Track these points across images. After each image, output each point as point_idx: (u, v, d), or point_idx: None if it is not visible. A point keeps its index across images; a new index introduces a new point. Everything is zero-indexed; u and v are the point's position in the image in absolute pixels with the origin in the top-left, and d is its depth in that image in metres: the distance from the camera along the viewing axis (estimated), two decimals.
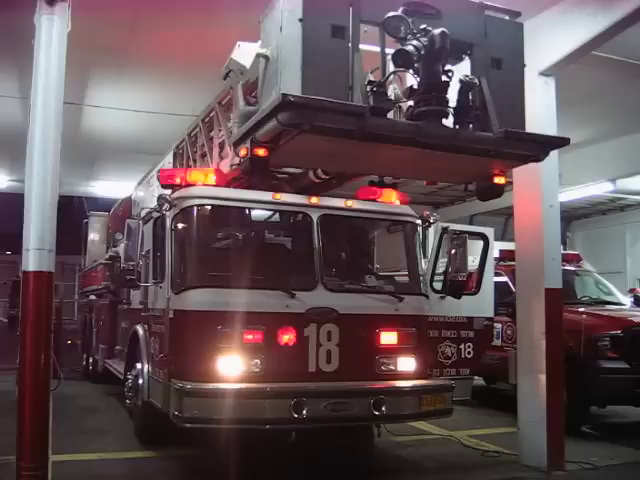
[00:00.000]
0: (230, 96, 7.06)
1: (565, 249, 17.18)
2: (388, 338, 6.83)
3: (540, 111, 7.18)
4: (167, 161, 9.79)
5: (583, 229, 20.04)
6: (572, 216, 19.38)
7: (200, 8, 7.37)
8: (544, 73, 7.21)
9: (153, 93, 10.32)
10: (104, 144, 12.88)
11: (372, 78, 5.52)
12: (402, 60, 4.94)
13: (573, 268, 11.40)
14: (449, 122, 5.28)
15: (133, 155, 13.12)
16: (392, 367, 6.81)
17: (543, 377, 7.01)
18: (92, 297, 13.75)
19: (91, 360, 13.14)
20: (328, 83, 4.96)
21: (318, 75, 4.95)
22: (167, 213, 6.83)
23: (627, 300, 11.36)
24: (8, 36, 7.83)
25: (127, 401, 8.08)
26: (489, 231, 8.24)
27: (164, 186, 7.10)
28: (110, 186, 15.94)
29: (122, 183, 14.68)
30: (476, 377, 11.20)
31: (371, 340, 6.73)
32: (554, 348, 7.03)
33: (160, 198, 6.77)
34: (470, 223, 16.68)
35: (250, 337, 6.29)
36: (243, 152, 5.44)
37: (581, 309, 9.40)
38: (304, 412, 6.04)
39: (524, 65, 5.75)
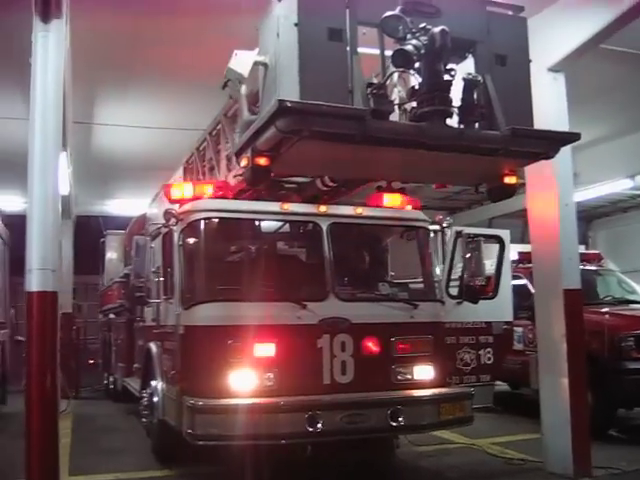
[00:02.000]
0: (236, 107, 6.98)
1: (587, 249, 16.95)
2: (404, 346, 6.69)
3: (550, 107, 7.01)
4: (178, 176, 9.74)
5: (604, 228, 19.64)
6: (592, 215, 19.01)
7: (200, 19, 7.31)
8: (553, 69, 7.05)
9: (161, 108, 10.28)
10: (116, 162, 12.87)
11: (376, 81, 5.41)
12: (401, 60, 4.82)
13: (594, 268, 11.15)
14: (454, 122, 5.14)
15: (146, 172, 13.07)
16: (409, 376, 6.66)
17: (565, 381, 6.80)
18: (111, 316, 13.74)
19: (111, 379, 13.13)
20: (327, 87, 4.82)
21: (316, 80, 4.82)
22: (174, 228, 6.77)
23: None
24: (10, 56, 7.81)
25: (143, 419, 7.99)
26: (504, 233, 8.08)
27: (172, 202, 7.04)
28: (126, 204, 15.94)
29: (137, 200, 14.64)
30: (499, 383, 11.07)
31: (386, 349, 6.59)
32: (575, 350, 6.83)
33: (166, 213, 6.69)
34: (489, 226, 16.43)
35: (262, 350, 6.18)
36: (244, 162, 5.34)
37: (604, 309, 9.17)
38: (319, 425, 5.92)
39: (529, 61, 5.58)
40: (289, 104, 4.59)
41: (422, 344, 6.78)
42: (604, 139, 12.32)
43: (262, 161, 5.20)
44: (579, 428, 6.76)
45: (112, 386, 12.94)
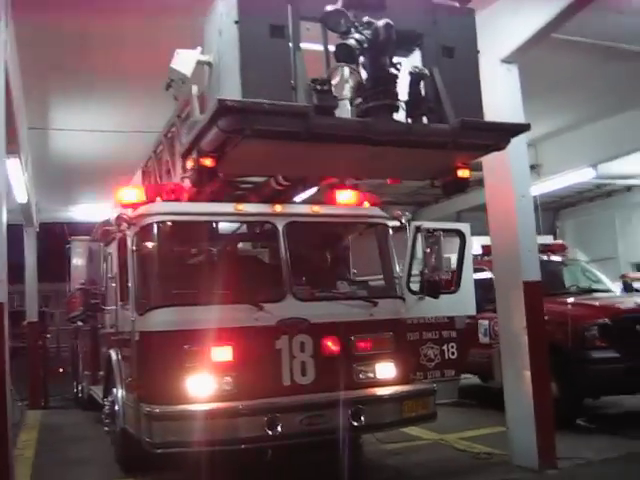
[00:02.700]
0: (189, 109, 6.86)
1: (555, 239, 17.04)
2: (364, 345, 6.62)
3: (505, 99, 7.00)
4: (136, 180, 9.59)
5: (572, 218, 19.79)
6: (560, 206, 19.16)
7: (149, 18, 7.16)
8: (506, 60, 6.99)
9: (116, 112, 10.07)
10: (76, 167, 12.61)
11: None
12: (344, 55, 4.74)
13: (559, 258, 11.17)
14: (401, 117, 5.07)
15: (107, 177, 12.81)
16: (371, 374, 6.60)
17: (528, 373, 6.75)
18: (79, 323, 13.53)
19: (80, 387, 12.91)
20: (270, 85, 4.74)
21: (259, 77, 4.72)
22: (127, 232, 6.64)
23: (617, 287, 11.15)
24: None
25: (105, 428, 7.84)
26: (465, 227, 8.03)
27: (123, 206, 6.91)
28: (90, 210, 15.69)
29: (101, 205, 14.44)
30: (470, 376, 11.07)
31: (346, 348, 6.52)
32: (537, 342, 6.79)
33: (118, 218, 6.56)
34: (457, 220, 16.50)
35: (219, 354, 6.09)
36: (190, 164, 5.24)
37: (568, 299, 9.17)
38: (279, 428, 5.83)
39: (478, 52, 5.53)
40: (229, 103, 4.50)
41: (383, 342, 6.72)
42: (565, 129, 12.37)
43: (208, 162, 5.10)
44: (543, 420, 6.71)
45: (80, 395, 12.72)
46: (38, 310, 14.76)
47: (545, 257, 10.46)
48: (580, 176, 13.56)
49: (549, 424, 6.77)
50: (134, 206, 6.82)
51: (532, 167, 13.11)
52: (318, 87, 4.72)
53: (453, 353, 7.76)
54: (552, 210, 19.00)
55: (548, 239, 14.33)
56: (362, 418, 6.11)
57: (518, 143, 6.71)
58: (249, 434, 5.86)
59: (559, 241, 13.38)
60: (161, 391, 5.97)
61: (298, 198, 7.36)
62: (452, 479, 6.72)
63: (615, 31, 8.53)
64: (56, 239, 16.98)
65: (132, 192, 6.93)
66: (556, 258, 11.01)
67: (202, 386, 5.98)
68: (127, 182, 10.14)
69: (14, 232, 14.95)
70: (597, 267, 12.67)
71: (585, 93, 10.94)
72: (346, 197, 7.33)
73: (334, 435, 6.26)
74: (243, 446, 5.94)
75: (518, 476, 6.56)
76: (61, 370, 16.47)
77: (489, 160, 7.14)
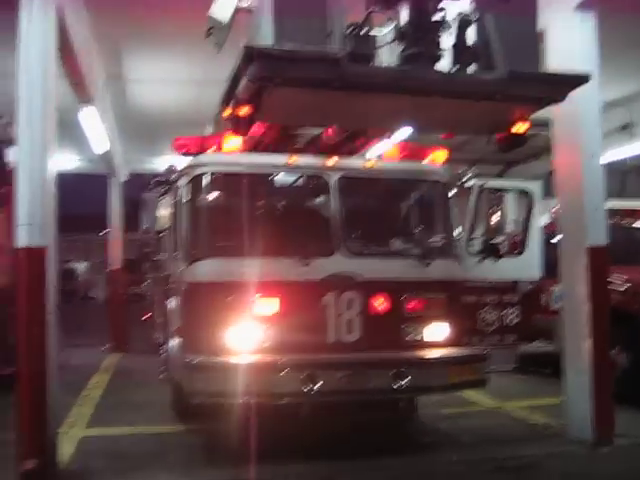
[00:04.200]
0: None
1: None
2: (414, 305, 6.41)
3: (579, 50, 6.52)
4: (209, 131, 9.60)
5: None
6: None
7: None
8: (581, 7, 6.48)
9: (191, 62, 10.02)
10: (157, 118, 12.74)
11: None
12: None
13: None
14: (446, 66, 4.77)
15: (187, 128, 13.01)
16: (419, 336, 6.39)
17: (588, 343, 6.39)
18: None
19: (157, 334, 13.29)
20: (305, 31, 4.54)
21: (293, 23, 4.53)
22: (179, 183, 6.64)
23: None
24: None
25: (160, 376, 8.00)
26: (534, 185, 7.64)
27: (181, 154, 6.91)
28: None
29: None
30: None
31: (396, 308, 6.33)
32: (599, 311, 6.39)
33: (169, 169, 6.56)
34: (548, 181, 15.75)
35: (262, 307, 6.03)
36: (227, 112, 5.13)
37: None
38: (317, 385, 5.74)
39: None
40: (256, 50, 4.33)
41: (434, 303, 6.47)
42: None
43: (243, 111, 4.96)
44: (601, 393, 6.37)
45: (157, 341, 13.10)
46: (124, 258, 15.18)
47: (629, 223, 9.87)
48: None
49: (607, 397, 6.41)
50: (192, 155, 6.80)
51: (624, 127, 12.36)
52: (352, 32, 4.48)
53: (514, 318, 7.45)
54: None
55: None
56: (404, 381, 5.93)
57: (589, 97, 6.30)
58: (287, 389, 5.80)
59: None
60: (203, 341, 5.97)
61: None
62: (499, 447, 6.46)
63: None
64: (144, 190, 17.38)
65: (190, 142, 6.91)
66: None
67: (243, 339, 5.95)
68: (201, 133, 10.23)
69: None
70: None
71: None
72: (409, 151, 7.05)
73: (374, 396, 6.15)
74: (282, 400, 5.92)
75: (568, 449, 6.25)
76: (146, 316, 17.00)
77: (558, 115, 6.74)
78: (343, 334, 6.16)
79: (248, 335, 5.98)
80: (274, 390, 5.80)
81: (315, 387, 5.72)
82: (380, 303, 6.30)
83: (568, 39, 6.54)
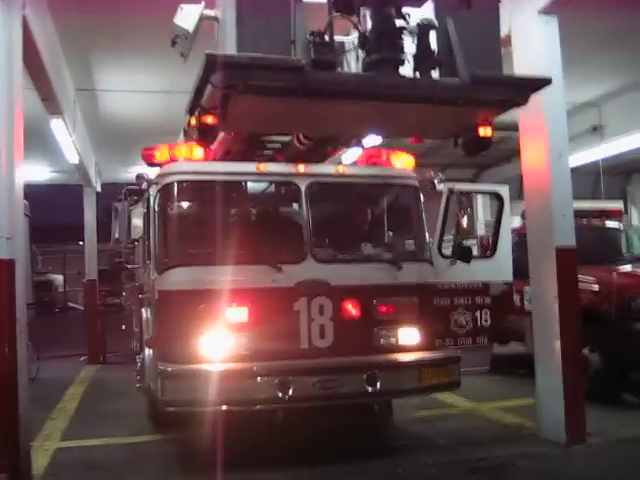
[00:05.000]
0: None
1: (626, 204, 16.28)
2: (386, 309, 6.45)
3: (542, 53, 6.62)
4: (180, 140, 9.60)
5: None
6: (630, 169, 18.12)
7: None
8: (544, 11, 6.56)
9: (160, 72, 10.01)
10: (128, 129, 12.72)
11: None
12: (343, 3, 4.51)
13: (615, 224, 10.61)
14: (409, 71, 4.81)
15: (159, 137, 13.00)
16: (392, 340, 6.42)
17: (558, 343, 6.45)
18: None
19: (134, 344, 13.23)
20: (268, 39, 4.56)
21: (256, 31, 4.55)
22: (149, 192, 6.65)
23: None
24: None
25: (137, 385, 7.97)
26: (503, 189, 7.72)
27: (149, 164, 6.90)
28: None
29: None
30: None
31: (367, 312, 6.36)
32: (568, 312, 6.45)
33: (139, 177, 6.56)
34: (520, 184, 15.90)
35: (234, 315, 6.03)
36: (193, 121, 5.13)
37: (617, 268, 8.70)
38: (291, 391, 5.75)
39: (499, 1, 5.18)
40: (219, 58, 4.34)
41: (406, 307, 6.52)
42: (631, 87, 11.60)
43: (209, 119, 4.95)
44: (572, 393, 6.42)
45: (135, 351, 13.03)
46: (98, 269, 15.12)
47: (599, 223, 10.01)
48: None
49: (579, 397, 6.48)
50: (160, 165, 6.80)
51: (594, 128, 12.53)
52: (315, 40, 4.51)
53: (486, 320, 7.50)
54: (622, 174, 18.04)
55: (617, 205, 13.66)
56: (377, 384, 5.96)
57: (555, 100, 6.42)
58: (261, 396, 5.82)
59: (617, 207, 12.67)
60: (176, 350, 5.96)
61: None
62: (473, 449, 6.49)
63: None
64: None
65: (157, 151, 6.90)
66: (612, 224, 10.47)
67: (216, 346, 5.95)
68: (172, 143, 10.22)
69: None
70: None
71: None
72: (376, 157, 7.11)
73: (348, 400, 6.17)
74: (255, 407, 5.92)
75: (541, 450, 6.29)
76: (123, 327, 16.90)
77: (524, 118, 6.83)
78: (316, 340, 6.18)
79: (221, 343, 5.98)
80: (248, 397, 5.81)
81: (289, 393, 5.74)
82: (352, 308, 6.32)
83: (533, 43, 6.62)
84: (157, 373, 5.94)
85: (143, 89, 10.72)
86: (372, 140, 7.93)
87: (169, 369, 5.82)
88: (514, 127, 7.16)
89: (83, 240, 15.43)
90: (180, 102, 10.54)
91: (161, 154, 6.74)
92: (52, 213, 32.53)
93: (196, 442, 6.66)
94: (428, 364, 6.29)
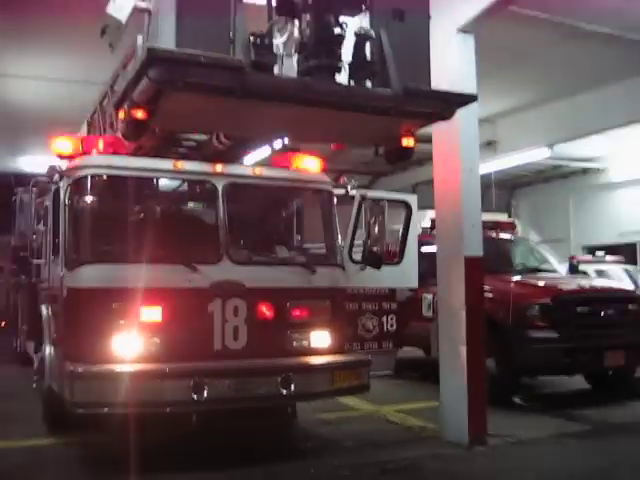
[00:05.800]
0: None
1: (510, 217, 17.11)
2: (299, 312, 6.49)
3: (458, 70, 6.88)
4: (82, 132, 9.27)
5: (528, 197, 19.81)
6: (516, 184, 19.15)
7: None
8: (462, 29, 6.83)
9: (64, 60, 9.69)
10: (21, 116, 12.18)
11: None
12: (285, 8, 4.53)
13: (508, 236, 11.14)
14: (344, 79, 4.88)
15: (55, 127, 12.47)
16: (304, 343, 6.47)
17: (464, 349, 6.70)
18: (22, 277, 13.20)
19: (18, 342, 12.63)
20: (207, 37, 4.50)
21: (196, 28, 4.48)
22: (60, 184, 6.38)
23: (562, 268, 11.18)
24: None
25: (34, 385, 7.62)
26: (411, 198, 7.95)
27: (59, 156, 6.64)
28: (38, 160, 15.24)
29: (49, 156, 14.03)
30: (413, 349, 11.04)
31: (281, 315, 6.37)
32: (474, 319, 6.73)
33: (50, 169, 6.29)
34: (413, 192, 16.42)
35: (147, 315, 5.89)
36: (122, 115, 4.99)
37: (512, 278, 9.14)
38: (205, 393, 5.68)
39: (429, 17, 5.36)
40: (159, 53, 4.26)
41: (318, 310, 6.58)
42: (524, 107, 12.29)
43: (139, 114, 4.82)
44: (476, 397, 6.69)
45: (19, 349, 12.44)
46: None
47: (494, 234, 10.46)
48: (536, 155, 13.53)
49: (481, 401, 6.76)
50: (70, 157, 6.55)
51: (489, 143, 13.13)
52: (256, 41, 4.50)
53: (392, 325, 7.70)
54: (508, 188, 19.01)
55: (503, 217, 14.36)
56: (291, 386, 5.99)
57: (469, 115, 6.62)
58: (173, 398, 5.71)
59: (510, 219, 13.35)
60: (86, 349, 5.76)
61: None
62: (380, 451, 6.63)
63: (576, 9, 8.44)
64: (3, 190, 16.48)
65: (68, 143, 6.64)
66: (505, 236, 10.98)
67: (128, 346, 5.79)
68: (73, 134, 9.85)
69: None
70: (548, 248, 12.75)
71: (544, 71, 10.88)
72: (292, 161, 7.15)
73: (261, 402, 6.17)
74: (167, 409, 5.82)
75: (446, 451, 6.52)
76: (3, 324, 16.07)
77: (438, 130, 7.04)
78: (230, 341, 6.13)
79: (134, 343, 5.82)
80: (161, 399, 5.70)
81: (202, 395, 5.68)
82: (267, 310, 6.33)
83: (450, 58, 6.84)
84: (65, 373, 5.71)
85: (37, 75, 10.25)
86: (280, 141, 7.95)
87: (79, 369, 5.61)
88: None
89: None
90: (85, 93, 10.33)
91: (74, 145, 6.49)
92: None
93: (102, 446, 6.47)
94: (340, 367, 6.39)
